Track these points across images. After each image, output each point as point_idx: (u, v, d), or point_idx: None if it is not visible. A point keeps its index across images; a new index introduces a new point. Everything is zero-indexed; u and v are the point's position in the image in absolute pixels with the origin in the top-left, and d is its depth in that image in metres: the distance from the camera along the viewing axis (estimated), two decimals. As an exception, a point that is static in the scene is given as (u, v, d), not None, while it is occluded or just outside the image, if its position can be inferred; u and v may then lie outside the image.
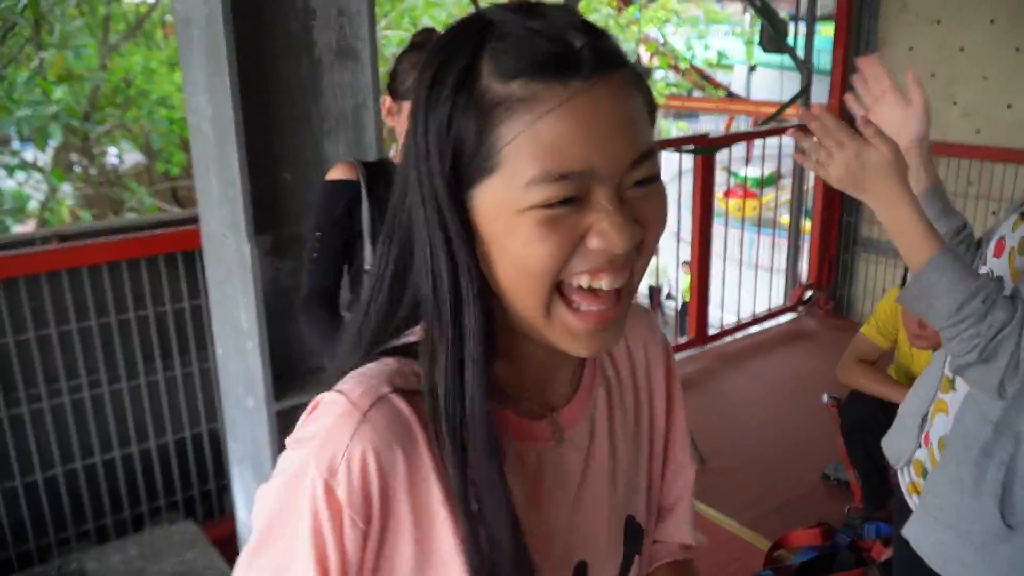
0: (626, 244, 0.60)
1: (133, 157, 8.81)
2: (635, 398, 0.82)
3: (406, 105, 1.49)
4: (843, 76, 4.41)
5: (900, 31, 4.21)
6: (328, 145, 2.04)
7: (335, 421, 0.62)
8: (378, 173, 1.61)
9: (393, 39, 8.18)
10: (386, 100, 1.55)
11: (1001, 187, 3.90)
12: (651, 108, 0.66)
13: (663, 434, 0.87)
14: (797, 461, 3.21)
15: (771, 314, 4.67)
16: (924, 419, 1.46)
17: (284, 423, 2.01)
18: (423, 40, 1.55)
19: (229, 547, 2.38)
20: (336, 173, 1.61)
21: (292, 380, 2.07)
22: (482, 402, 0.64)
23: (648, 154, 0.62)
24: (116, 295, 2.49)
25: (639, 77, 0.64)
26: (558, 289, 0.62)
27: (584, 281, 0.62)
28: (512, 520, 0.65)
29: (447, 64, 0.61)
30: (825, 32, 4.62)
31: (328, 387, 0.66)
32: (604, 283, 0.62)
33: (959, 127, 4.05)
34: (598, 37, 0.62)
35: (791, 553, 2.61)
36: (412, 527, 0.64)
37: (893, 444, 1.54)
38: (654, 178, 0.64)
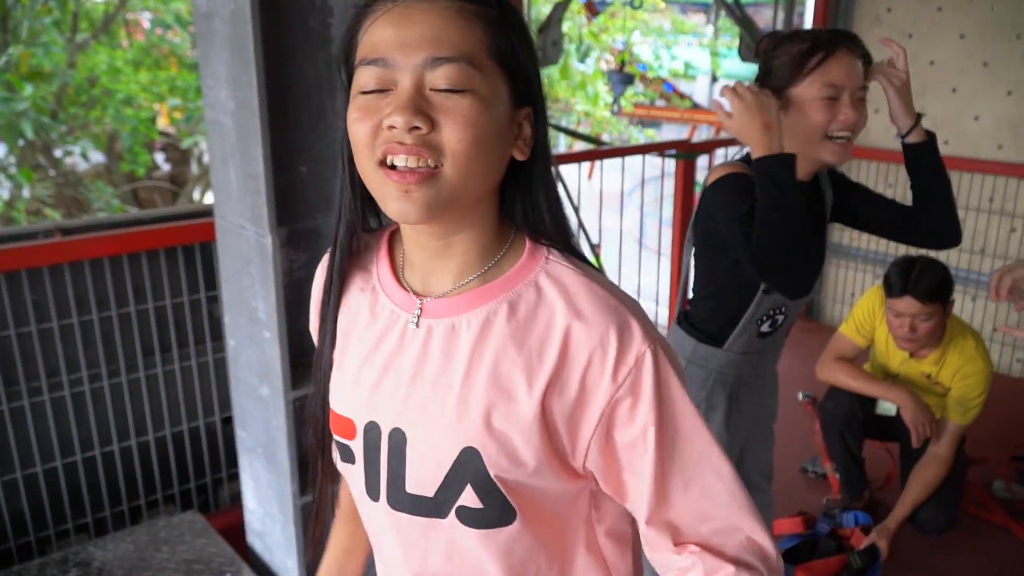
0: (401, 122, 0.75)
1: (95, 158, 8.69)
2: (534, 361, 0.82)
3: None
4: (816, 87, 4.55)
5: (872, 45, 4.35)
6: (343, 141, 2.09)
7: None
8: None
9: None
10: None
11: (967, 196, 4.07)
12: (495, 37, 0.79)
13: (588, 426, 0.83)
14: (776, 455, 3.30)
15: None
16: None
17: (297, 410, 2.05)
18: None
19: (231, 537, 2.40)
20: (734, 168, 1.64)
21: (304, 370, 2.11)
22: (340, 262, 0.92)
23: (444, 60, 0.76)
24: (117, 289, 2.50)
25: (477, 10, 0.78)
26: (382, 165, 0.77)
27: (383, 157, 0.77)
28: (329, 350, 0.93)
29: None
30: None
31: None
32: (398, 160, 0.76)
33: (927, 137, 4.20)
34: None
35: (776, 540, 2.70)
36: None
37: None
38: (458, 90, 0.76)
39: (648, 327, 0.83)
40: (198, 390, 2.73)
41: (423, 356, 0.86)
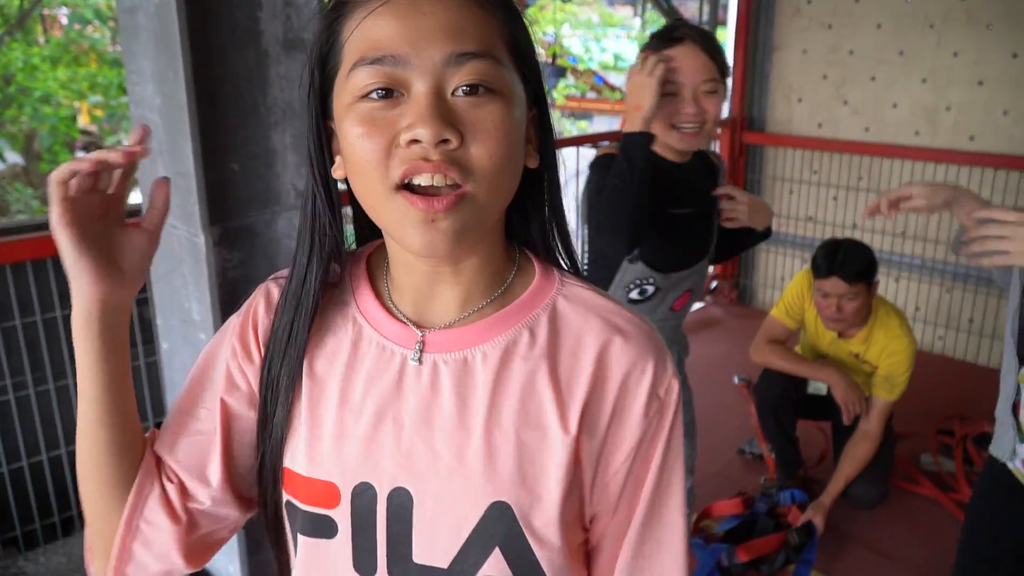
0: (429, 135, 0.63)
1: (11, 158, 8.38)
2: (565, 395, 0.72)
3: None
4: (743, 78, 4.66)
5: (794, 35, 4.48)
6: (276, 137, 2.05)
7: None
8: None
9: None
10: None
11: (889, 180, 4.21)
12: (510, 26, 0.70)
13: (613, 467, 0.75)
14: (713, 438, 3.38)
15: (680, 304, 4.87)
16: (1015, 409, 1.61)
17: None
18: None
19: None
20: (609, 150, 1.80)
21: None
22: (312, 301, 0.76)
23: (469, 55, 0.64)
24: (41, 294, 2.42)
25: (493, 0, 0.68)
26: (401, 188, 0.66)
27: (403, 179, 0.65)
28: (285, 403, 0.77)
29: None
30: (722, 37, 4.86)
31: None
32: (422, 179, 0.64)
33: (849, 125, 4.34)
34: None
35: (716, 522, 2.76)
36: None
37: (998, 444, 1.68)
38: (484, 88, 0.65)
39: (674, 361, 0.77)
40: (147, 391, 2.67)
41: (430, 398, 0.73)
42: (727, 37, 4.72)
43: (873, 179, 4.30)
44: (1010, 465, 1.65)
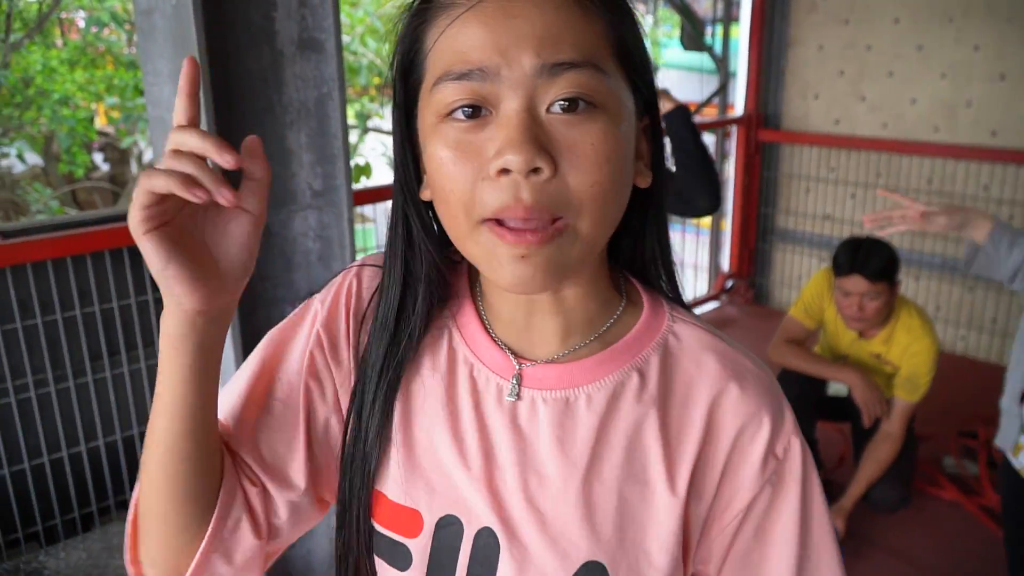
0: (519, 163, 0.55)
1: (31, 159, 8.46)
2: (674, 451, 0.67)
3: None
4: (757, 75, 4.63)
5: (810, 31, 4.45)
6: (291, 136, 2.06)
7: None
8: None
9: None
10: None
11: (908, 178, 4.17)
12: (617, 29, 0.61)
13: (716, 529, 0.69)
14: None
15: (695, 303, 4.86)
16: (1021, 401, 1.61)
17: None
18: None
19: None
20: None
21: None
22: (423, 311, 0.70)
23: (566, 65, 0.56)
24: (61, 292, 2.44)
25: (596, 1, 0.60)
26: (488, 221, 0.59)
27: (495, 215, 0.58)
28: (381, 421, 0.70)
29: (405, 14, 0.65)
30: (733, 33, 4.84)
31: None
32: (515, 223, 0.58)
33: (867, 121, 4.31)
34: None
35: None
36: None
37: (1003, 434, 1.67)
38: (584, 103, 0.57)
39: (793, 415, 0.68)
40: (148, 393, 2.68)
41: (528, 437, 0.67)
42: (740, 33, 4.70)
43: (892, 176, 4.26)
44: (1015, 464, 1.64)
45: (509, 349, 0.69)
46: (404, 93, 0.65)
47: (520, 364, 0.68)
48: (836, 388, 2.94)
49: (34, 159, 8.28)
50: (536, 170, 0.56)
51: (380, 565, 0.72)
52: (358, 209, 3.58)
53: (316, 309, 0.75)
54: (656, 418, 0.66)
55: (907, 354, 2.74)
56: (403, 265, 0.69)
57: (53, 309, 2.43)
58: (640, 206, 0.67)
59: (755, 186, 4.81)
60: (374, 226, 6.28)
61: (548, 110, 0.57)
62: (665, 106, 1.81)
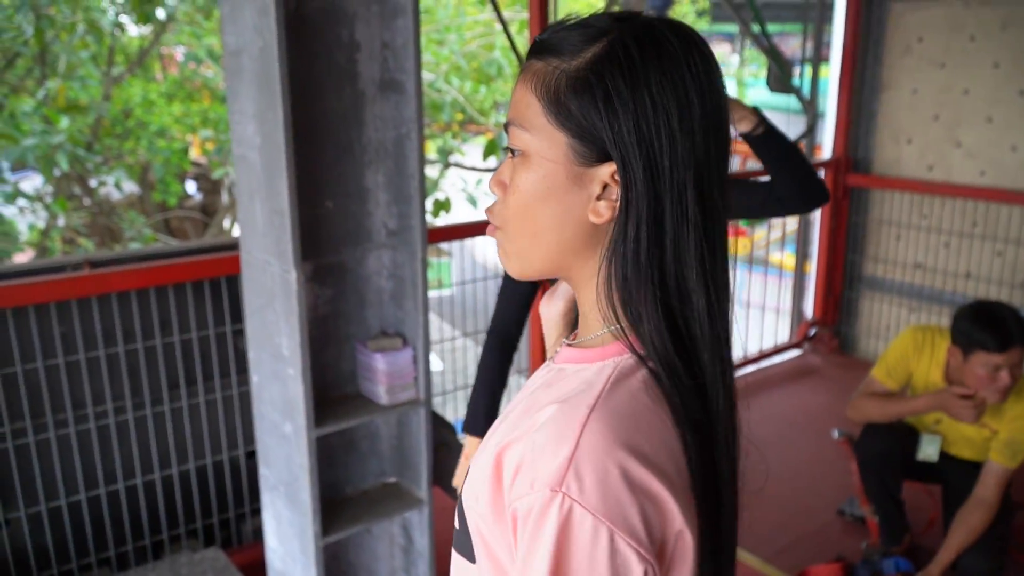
0: (490, 188, 0.81)
1: (128, 187, 8.83)
2: (517, 428, 0.75)
3: None
4: (847, 117, 4.51)
5: (904, 74, 4.31)
6: (369, 175, 2.08)
7: None
8: None
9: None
10: None
11: (1007, 228, 3.98)
12: (551, 94, 0.74)
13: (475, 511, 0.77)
14: (810, 496, 3.23)
15: (776, 350, 4.71)
16: None
17: (318, 450, 2.02)
18: None
19: (252, 574, 2.37)
20: None
21: (329, 406, 2.08)
22: None
23: (507, 124, 0.77)
24: (144, 322, 2.50)
25: (540, 68, 0.75)
26: None
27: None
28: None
29: None
30: (822, 74, 4.73)
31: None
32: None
33: (964, 168, 4.13)
34: (556, 30, 0.75)
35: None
36: None
37: None
38: (516, 152, 0.77)
39: (592, 482, 0.65)
40: (222, 423, 2.72)
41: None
42: (830, 74, 4.59)
43: (989, 226, 4.07)
44: None
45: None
46: None
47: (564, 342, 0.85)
48: (927, 453, 2.77)
49: (131, 187, 8.65)
50: (494, 194, 0.81)
51: None
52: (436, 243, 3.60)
53: None
54: (534, 407, 0.75)
55: (1006, 416, 2.58)
56: None
57: (135, 338, 2.50)
58: (612, 243, 0.75)
59: (842, 231, 4.66)
60: (449, 259, 6.33)
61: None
62: (742, 125, 1.79)
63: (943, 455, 2.71)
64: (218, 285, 2.63)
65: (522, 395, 0.85)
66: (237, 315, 2.65)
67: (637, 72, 0.70)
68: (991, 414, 2.61)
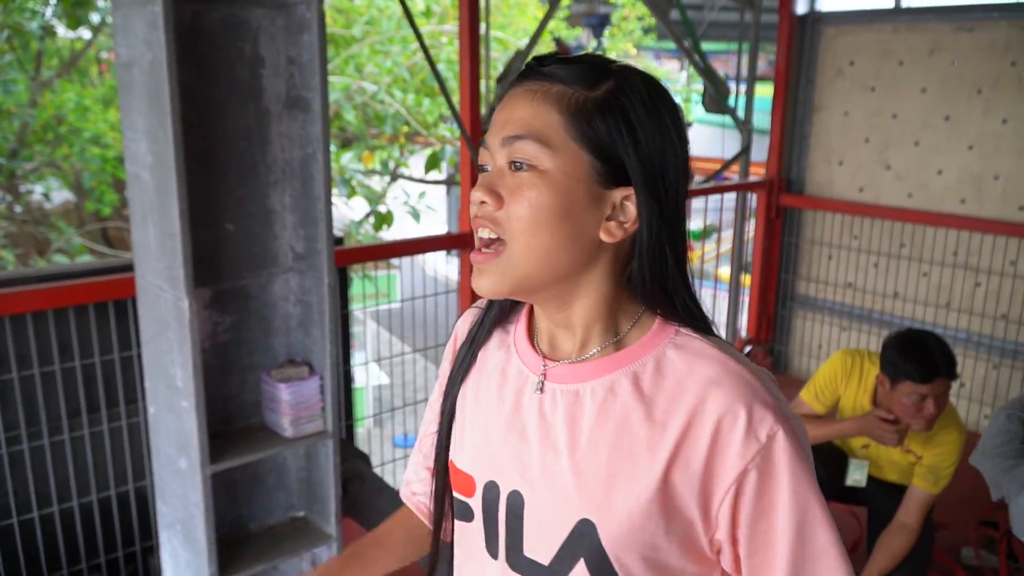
0: (476, 195, 0.81)
1: (62, 196, 8.54)
2: (657, 434, 0.82)
3: None
4: (781, 138, 4.53)
5: (836, 97, 4.35)
6: (275, 196, 1.98)
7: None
8: None
9: (337, 85, 8.14)
10: None
11: (932, 250, 4.03)
12: (574, 118, 0.81)
13: (716, 500, 0.82)
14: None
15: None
16: None
17: (217, 486, 1.91)
18: None
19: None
20: None
21: (230, 439, 1.97)
22: (488, 328, 0.97)
23: (514, 138, 0.80)
24: (41, 346, 2.36)
25: (559, 92, 0.81)
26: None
27: (471, 231, 0.85)
28: (452, 403, 0.98)
29: None
30: (762, 92, 4.75)
31: None
32: (480, 232, 0.83)
33: (892, 190, 4.18)
34: (553, 61, 0.82)
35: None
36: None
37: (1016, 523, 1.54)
38: (525, 165, 0.80)
39: (782, 406, 0.81)
40: (128, 452, 2.58)
41: (546, 420, 0.87)
42: (767, 93, 4.61)
43: (916, 247, 4.11)
44: None
45: (543, 354, 0.90)
46: None
47: (545, 364, 0.88)
48: (854, 479, 2.76)
49: (67, 195, 8.36)
50: (483, 202, 0.82)
51: (459, 523, 0.96)
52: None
53: (448, 347, 1.03)
54: (643, 412, 0.82)
55: (931, 444, 2.58)
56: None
57: (31, 363, 2.35)
58: (639, 255, 0.84)
59: (775, 251, 4.68)
60: (398, 272, 6.23)
61: (508, 167, 0.82)
62: None
63: (871, 479, 2.70)
64: (124, 307, 2.49)
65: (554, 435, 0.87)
66: (143, 339, 2.52)
67: (654, 107, 0.81)
68: (916, 441, 2.61)
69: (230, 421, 2.04)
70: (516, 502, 0.87)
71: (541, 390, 0.87)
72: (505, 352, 0.94)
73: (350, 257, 3.08)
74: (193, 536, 1.89)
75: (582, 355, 0.87)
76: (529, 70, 0.83)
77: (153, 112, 1.69)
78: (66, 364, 2.42)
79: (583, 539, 0.82)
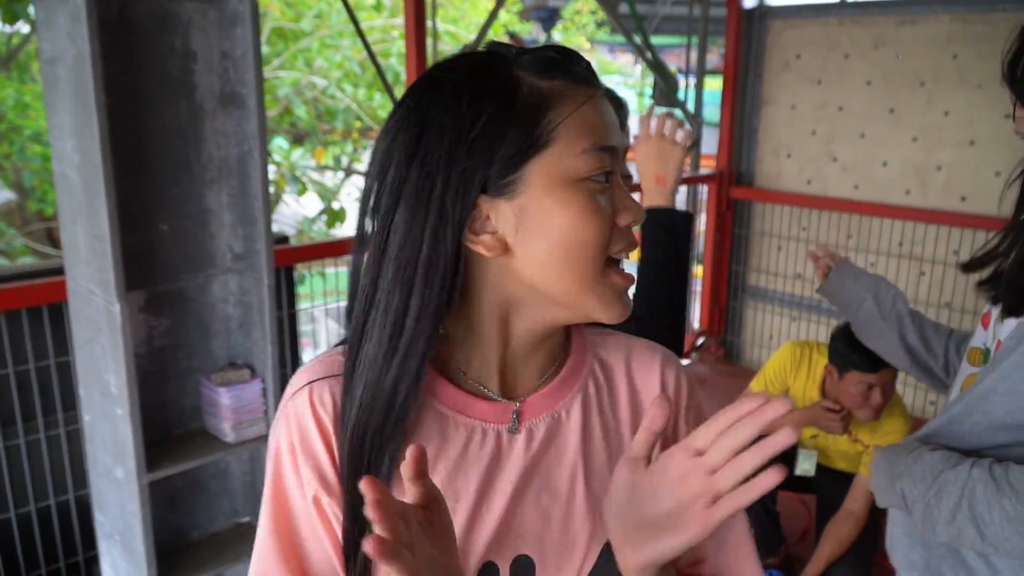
0: (642, 216, 0.75)
1: (3, 195, 8.29)
2: (638, 418, 0.83)
3: None
4: (730, 131, 4.56)
5: (783, 90, 4.39)
6: (210, 195, 1.93)
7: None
8: None
9: (287, 80, 8.02)
10: None
11: (879, 240, 4.08)
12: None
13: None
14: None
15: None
16: None
17: (157, 494, 1.86)
18: None
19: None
20: None
21: (168, 446, 1.92)
22: (410, 395, 0.72)
23: (625, 150, 0.80)
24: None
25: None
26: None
27: (619, 254, 0.74)
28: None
29: (483, 82, 0.71)
30: (711, 85, 4.78)
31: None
32: (623, 256, 0.75)
33: (839, 182, 4.23)
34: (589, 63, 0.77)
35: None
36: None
37: None
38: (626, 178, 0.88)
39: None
40: (67, 460, 2.50)
41: (530, 461, 0.77)
42: (716, 86, 4.64)
43: (863, 238, 4.17)
44: None
45: (499, 395, 0.78)
46: (489, 155, 0.70)
47: (515, 403, 0.78)
48: (803, 468, 2.79)
49: (7, 195, 8.12)
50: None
51: None
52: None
53: (290, 455, 0.75)
54: (611, 406, 0.82)
55: (878, 432, 2.62)
56: (408, 345, 0.71)
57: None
58: None
59: (727, 243, 4.71)
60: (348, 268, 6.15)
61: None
62: (655, 200, 1.40)
63: (819, 467, 2.72)
64: (59, 311, 2.41)
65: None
66: (80, 343, 2.44)
67: None
68: (864, 430, 2.65)
69: (169, 428, 1.98)
70: (524, 568, 0.76)
71: (516, 432, 0.77)
72: (428, 418, 0.76)
73: (294, 256, 3.02)
74: (132, 546, 1.84)
75: (541, 379, 0.80)
76: (593, 77, 0.75)
77: (79, 109, 1.63)
78: (-1, 371, 2.34)
79: (613, 564, 0.71)
